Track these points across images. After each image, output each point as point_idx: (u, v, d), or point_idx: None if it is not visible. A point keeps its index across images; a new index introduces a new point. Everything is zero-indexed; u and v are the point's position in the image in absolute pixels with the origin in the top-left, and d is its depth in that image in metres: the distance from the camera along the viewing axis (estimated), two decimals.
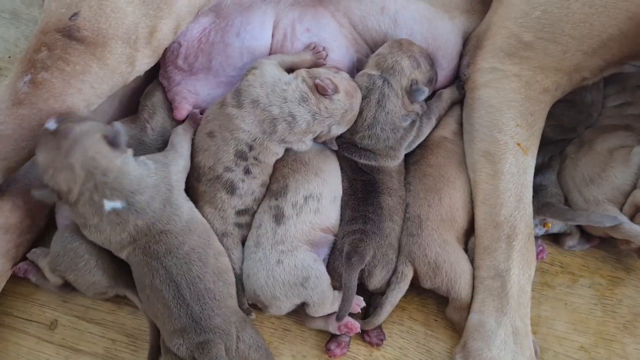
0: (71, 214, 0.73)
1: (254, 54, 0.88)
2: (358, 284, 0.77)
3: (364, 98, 0.84)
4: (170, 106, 0.90)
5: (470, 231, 0.84)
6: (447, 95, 0.91)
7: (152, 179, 0.73)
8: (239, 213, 0.80)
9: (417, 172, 0.86)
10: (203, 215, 0.78)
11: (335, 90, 0.80)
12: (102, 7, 0.76)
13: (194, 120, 0.84)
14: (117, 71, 0.79)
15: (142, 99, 0.92)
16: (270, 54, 0.89)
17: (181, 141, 0.81)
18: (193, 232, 0.74)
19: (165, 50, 0.87)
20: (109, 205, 0.70)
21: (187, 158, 0.79)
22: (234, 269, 0.77)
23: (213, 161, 0.80)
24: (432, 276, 0.78)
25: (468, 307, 0.78)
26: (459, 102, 0.91)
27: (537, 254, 0.84)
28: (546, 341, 0.80)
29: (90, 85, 0.77)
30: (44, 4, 0.79)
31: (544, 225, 0.86)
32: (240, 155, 0.80)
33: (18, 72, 0.76)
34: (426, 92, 0.86)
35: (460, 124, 0.90)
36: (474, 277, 0.79)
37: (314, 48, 0.89)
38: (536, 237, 0.85)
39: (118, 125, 0.72)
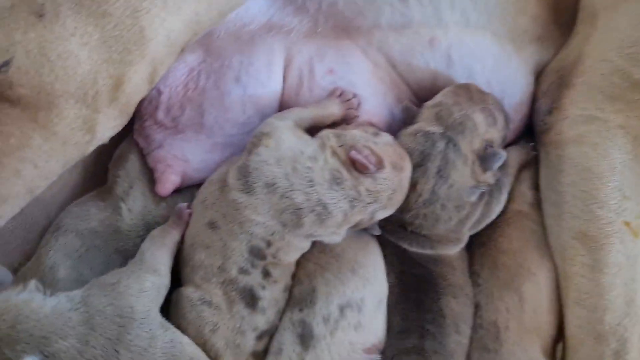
0: None
1: (260, 106, 0.68)
2: None
3: (419, 166, 0.63)
4: (151, 176, 0.69)
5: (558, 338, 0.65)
6: (515, 157, 0.70)
7: (79, 313, 0.54)
8: (260, 337, 0.60)
9: (486, 260, 0.67)
10: (206, 340, 0.59)
11: (379, 164, 0.59)
12: (44, 51, 0.56)
13: (179, 217, 0.62)
14: (70, 142, 0.59)
15: (111, 167, 0.71)
16: (281, 105, 0.68)
17: (151, 249, 0.60)
18: None
19: (142, 101, 0.66)
20: None
21: (163, 274, 0.59)
22: None
23: (222, 260, 0.60)
24: None
25: None
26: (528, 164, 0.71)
27: None
28: None
29: (33, 164, 0.58)
30: None
31: None
32: (256, 254, 0.59)
33: None
34: (504, 157, 0.65)
35: (538, 191, 0.70)
36: None
37: (340, 95, 0.67)
38: None
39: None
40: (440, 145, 0.63)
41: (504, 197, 0.68)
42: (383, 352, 0.61)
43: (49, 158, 0.58)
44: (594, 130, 0.65)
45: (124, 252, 0.64)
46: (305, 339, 0.59)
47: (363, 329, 0.60)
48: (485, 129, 0.65)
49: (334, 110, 0.66)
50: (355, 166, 0.59)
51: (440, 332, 0.61)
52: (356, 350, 0.59)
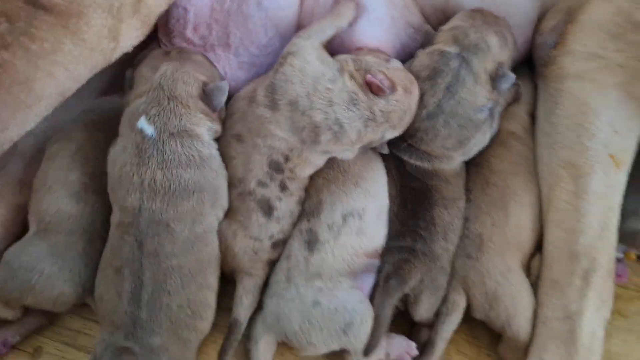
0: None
1: (281, 28, 0.72)
2: (402, 313, 0.67)
3: (429, 79, 0.68)
4: None
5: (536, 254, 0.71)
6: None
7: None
8: (275, 246, 0.67)
9: (479, 178, 0.72)
10: (227, 244, 0.66)
11: (392, 88, 0.64)
12: None
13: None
14: (97, 48, 0.64)
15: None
16: (298, 24, 0.71)
17: None
18: (193, 253, 0.64)
19: (169, 20, 0.70)
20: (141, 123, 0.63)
21: None
22: (238, 319, 0.66)
23: (243, 172, 0.66)
24: (488, 309, 0.68)
25: (525, 348, 0.68)
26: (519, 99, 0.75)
27: (617, 277, 0.73)
28: None
29: (64, 67, 0.63)
30: None
31: (626, 255, 0.75)
32: (276, 167, 0.65)
33: None
34: (513, 78, 0.69)
35: (533, 117, 0.74)
36: (535, 315, 0.68)
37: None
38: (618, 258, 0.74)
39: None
40: (454, 63, 0.67)
41: (495, 126, 0.72)
42: (382, 255, 0.68)
43: (78, 62, 0.63)
44: (594, 67, 0.68)
45: None
46: (312, 244, 0.66)
47: (364, 235, 0.66)
48: (498, 51, 0.68)
49: (351, 14, 0.69)
50: (371, 89, 0.63)
51: (430, 237, 0.68)
52: (358, 253, 0.66)
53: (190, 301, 0.63)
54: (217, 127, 0.66)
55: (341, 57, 0.66)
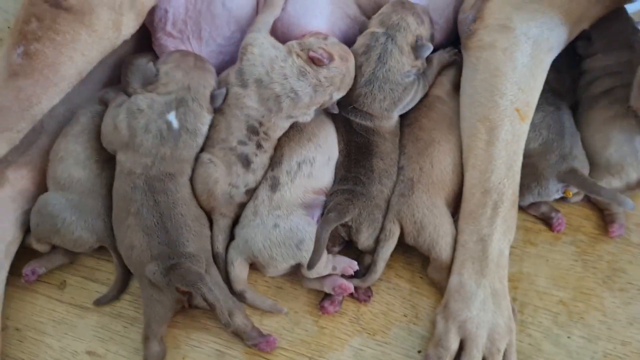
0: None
1: (241, 23, 0.89)
2: (349, 243, 0.82)
3: (363, 54, 0.85)
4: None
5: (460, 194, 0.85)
6: (437, 59, 0.91)
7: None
8: (248, 192, 0.84)
9: (410, 135, 0.88)
10: (209, 189, 0.83)
11: (330, 58, 0.82)
12: None
13: None
14: (105, 37, 0.81)
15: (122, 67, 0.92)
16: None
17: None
18: (187, 187, 0.83)
19: (154, 19, 0.88)
20: (170, 116, 0.81)
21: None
22: (218, 252, 0.82)
23: (226, 135, 0.83)
24: (416, 235, 0.81)
25: (447, 268, 0.81)
26: (448, 65, 0.92)
27: (556, 226, 0.87)
28: (527, 296, 0.84)
29: (81, 52, 0.80)
30: None
31: (565, 192, 0.86)
32: (252, 131, 0.83)
33: (10, 44, 0.79)
34: (431, 47, 0.86)
35: (454, 85, 0.90)
36: (455, 240, 0.82)
37: None
38: (554, 208, 0.87)
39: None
40: (382, 39, 0.85)
41: (425, 88, 0.89)
42: (329, 195, 0.84)
43: (92, 49, 0.80)
44: (503, 37, 0.81)
45: None
46: (274, 186, 0.82)
47: (314, 177, 0.83)
48: (416, 27, 0.86)
49: (281, 2, 0.87)
50: (314, 62, 0.82)
51: (368, 182, 0.83)
52: (308, 191, 0.82)
53: (197, 216, 0.80)
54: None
55: (289, 43, 0.85)
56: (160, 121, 0.81)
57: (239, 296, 0.81)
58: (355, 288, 0.83)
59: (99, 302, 0.84)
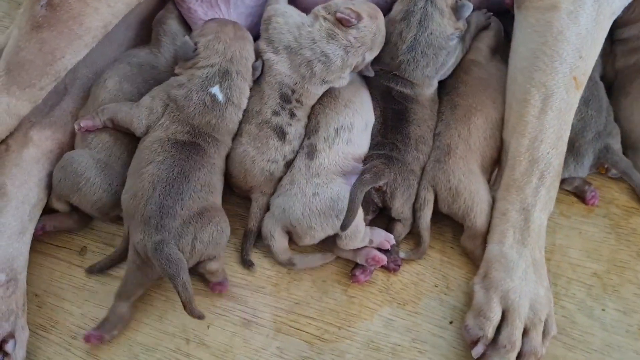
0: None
1: None
2: (382, 210, 0.81)
3: (402, 20, 0.83)
4: (181, 35, 0.89)
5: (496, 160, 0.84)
6: (474, 21, 0.89)
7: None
8: (287, 164, 0.82)
9: (448, 102, 0.86)
10: (246, 169, 0.81)
11: (359, 17, 0.80)
12: None
13: None
14: None
15: (154, 26, 0.90)
16: None
17: None
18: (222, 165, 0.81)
19: None
20: (214, 90, 0.79)
21: None
22: (253, 230, 0.81)
23: (260, 105, 0.81)
24: (451, 202, 0.80)
25: (481, 236, 0.80)
26: (485, 28, 0.90)
27: (589, 199, 0.86)
28: (560, 268, 0.83)
29: (107, 3, 0.77)
30: None
31: (599, 168, 0.85)
32: (285, 99, 0.81)
33: None
34: (471, 7, 0.84)
35: (492, 49, 0.88)
36: (494, 208, 0.80)
37: None
38: (587, 181, 0.86)
39: None
40: (421, 3, 0.83)
41: (465, 49, 0.87)
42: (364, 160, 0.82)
43: (117, 0, 0.77)
44: (571, 0, 0.76)
45: (157, 80, 0.84)
46: (311, 153, 0.80)
47: (353, 143, 0.81)
48: None
49: None
50: (342, 23, 0.79)
51: (404, 148, 0.82)
52: (347, 158, 0.80)
53: (205, 183, 0.77)
54: None
55: (314, 9, 0.82)
56: (202, 93, 0.79)
57: (288, 264, 0.80)
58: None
59: (91, 270, 0.82)
